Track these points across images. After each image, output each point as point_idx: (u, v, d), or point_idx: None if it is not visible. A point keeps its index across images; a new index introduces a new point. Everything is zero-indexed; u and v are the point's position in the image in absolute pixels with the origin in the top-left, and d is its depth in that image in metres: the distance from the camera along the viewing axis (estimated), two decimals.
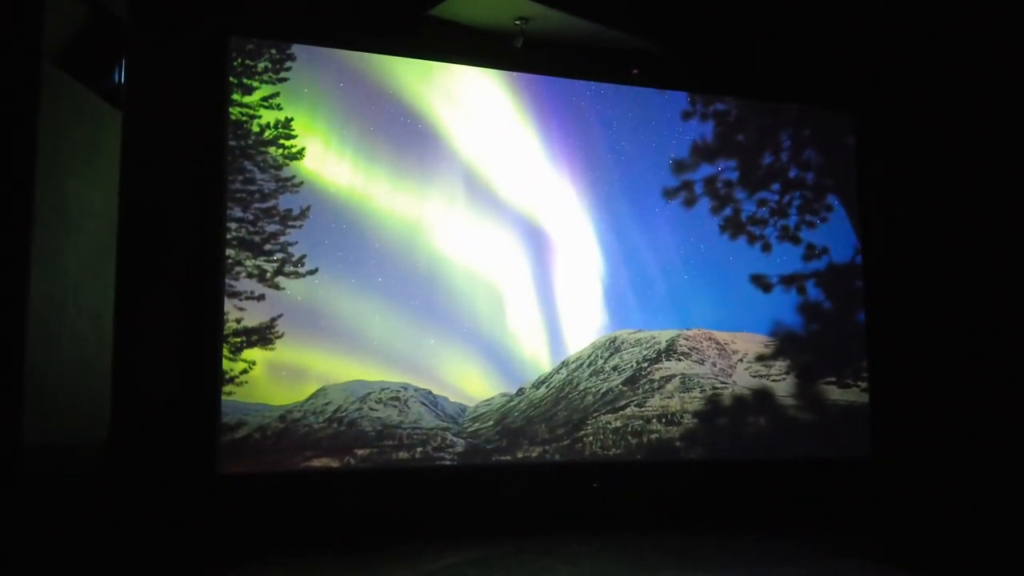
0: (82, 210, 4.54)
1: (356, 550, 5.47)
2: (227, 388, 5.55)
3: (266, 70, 5.87)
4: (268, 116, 5.84)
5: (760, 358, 7.06)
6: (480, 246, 6.34)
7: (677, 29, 6.93)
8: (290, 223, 5.85)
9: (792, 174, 7.33)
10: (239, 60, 5.81)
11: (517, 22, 6.44)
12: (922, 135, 7.13)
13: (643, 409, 6.65)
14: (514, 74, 6.57)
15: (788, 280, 7.20)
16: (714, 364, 6.93)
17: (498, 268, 6.39)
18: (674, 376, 6.78)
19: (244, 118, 5.79)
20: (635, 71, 6.92)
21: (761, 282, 7.14)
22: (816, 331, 7.23)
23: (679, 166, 6.97)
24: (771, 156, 7.30)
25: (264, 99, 5.84)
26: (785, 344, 7.14)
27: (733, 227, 7.12)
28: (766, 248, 7.18)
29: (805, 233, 7.31)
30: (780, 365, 7.10)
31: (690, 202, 6.99)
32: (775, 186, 7.26)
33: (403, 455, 5.96)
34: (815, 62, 7.29)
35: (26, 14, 3.77)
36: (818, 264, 7.32)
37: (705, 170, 7.06)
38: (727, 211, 7.10)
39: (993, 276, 6.51)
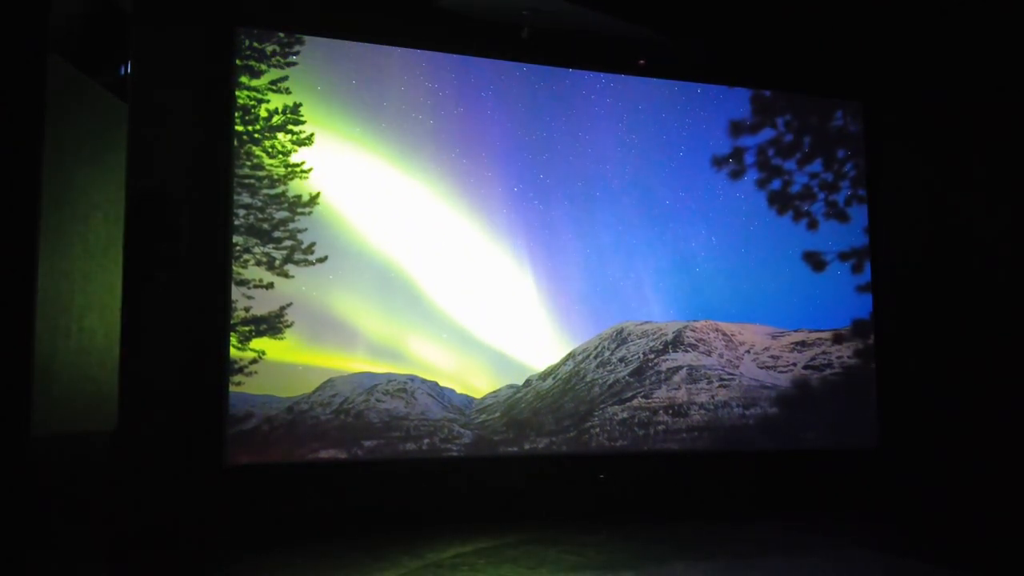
0: (88, 201, 4.48)
1: (364, 540, 5.44)
2: (235, 378, 5.49)
3: (274, 53, 5.78)
4: (276, 101, 5.77)
5: (767, 349, 7.06)
6: (488, 237, 6.31)
7: (683, 19, 6.85)
8: (299, 210, 5.79)
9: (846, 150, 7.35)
10: (247, 43, 5.73)
11: (525, 12, 6.36)
12: (932, 123, 7.08)
13: (650, 400, 6.64)
14: (522, 65, 6.52)
15: (819, 262, 7.21)
16: (721, 355, 6.92)
17: (505, 259, 6.35)
18: (681, 367, 6.78)
19: (252, 103, 5.71)
20: (641, 62, 6.86)
21: (814, 259, 7.17)
22: (821, 324, 7.23)
23: (736, 128, 6.97)
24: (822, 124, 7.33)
25: (272, 83, 5.76)
26: (792, 335, 7.13)
27: (780, 201, 7.12)
28: (812, 225, 7.21)
29: (855, 210, 7.33)
30: (787, 356, 7.09)
31: (737, 173, 6.97)
32: (818, 163, 7.26)
33: (410, 446, 5.94)
34: (823, 50, 7.22)
35: (31, 5, 3.71)
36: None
37: (749, 141, 7.08)
38: (775, 184, 7.12)
39: (1001, 269, 6.49)
